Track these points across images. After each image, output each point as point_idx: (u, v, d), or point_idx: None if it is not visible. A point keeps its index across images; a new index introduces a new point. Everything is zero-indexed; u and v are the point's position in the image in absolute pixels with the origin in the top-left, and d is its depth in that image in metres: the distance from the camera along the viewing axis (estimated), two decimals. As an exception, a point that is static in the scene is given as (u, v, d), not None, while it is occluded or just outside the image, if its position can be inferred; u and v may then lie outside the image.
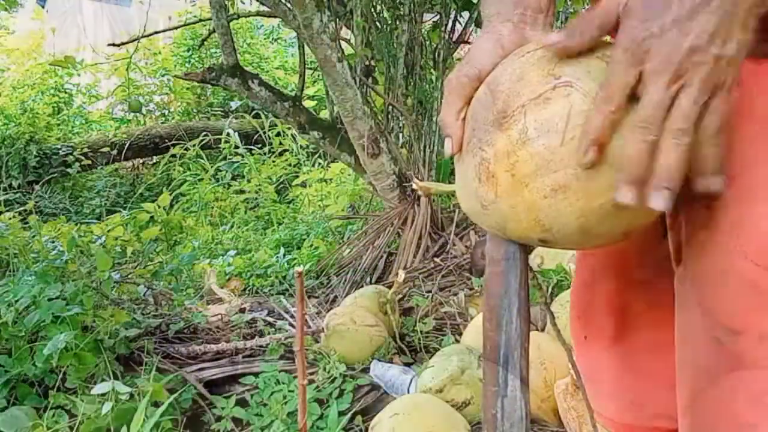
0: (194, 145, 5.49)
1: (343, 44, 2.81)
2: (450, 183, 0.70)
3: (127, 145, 5.74)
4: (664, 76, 0.46)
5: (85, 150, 5.64)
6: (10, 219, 3.19)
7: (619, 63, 0.48)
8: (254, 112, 6.03)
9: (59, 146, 5.66)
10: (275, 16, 3.00)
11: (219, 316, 2.32)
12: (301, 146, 5.46)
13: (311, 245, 3.50)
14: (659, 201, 0.47)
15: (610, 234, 0.54)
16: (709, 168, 0.48)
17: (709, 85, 0.47)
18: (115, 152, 5.70)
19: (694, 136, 0.47)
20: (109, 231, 3.59)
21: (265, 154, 5.48)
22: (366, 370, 1.87)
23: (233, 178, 5.33)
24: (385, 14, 3.18)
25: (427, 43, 3.19)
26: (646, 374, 0.79)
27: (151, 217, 3.94)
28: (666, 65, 0.46)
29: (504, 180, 0.53)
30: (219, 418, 1.65)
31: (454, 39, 3.21)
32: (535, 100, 0.52)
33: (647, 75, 0.47)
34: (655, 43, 0.47)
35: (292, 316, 2.29)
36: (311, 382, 1.76)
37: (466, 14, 3.23)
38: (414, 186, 0.72)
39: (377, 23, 3.14)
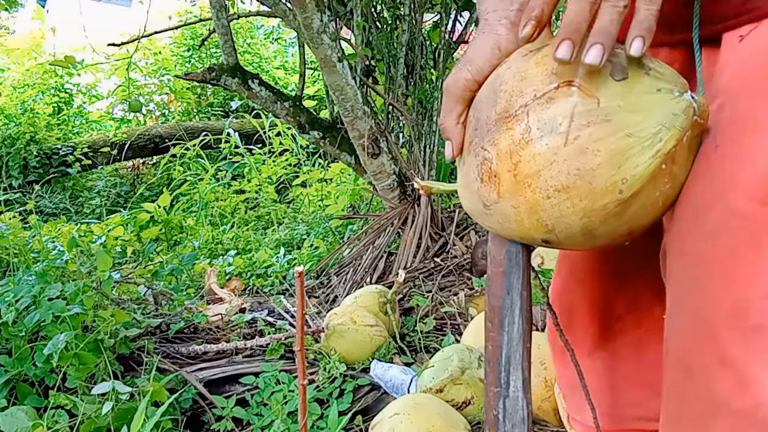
0: (194, 145, 5.49)
1: (343, 44, 2.81)
2: (451, 182, 0.69)
3: (127, 145, 5.74)
4: None
5: (86, 150, 5.64)
6: (10, 219, 3.19)
7: None
8: (254, 112, 6.03)
9: (59, 146, 5.66)
10: (275, 16, 3.00)
11: (219, 316, 2.32)
12: (301, 146, 5.46)
13: (311, 245, 3.50)
14: (592, 54, 0.49)
15: (614, 234, 0.54)
16: (636, 29, 0.49)
17: None
18: (115, 152, 5.70)
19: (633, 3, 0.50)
20: (109, 231, 3.59)
21: (265, 154, 5.48)
22: (366, 370, 1.87)
23: (233, 178, 5.33)
24: (385, 14, 3.18)
25: (428, 43, 3.19)
26: (629, 376, 0.77)
27: (152, 217, 3.94)
28: None
29: (506, 180, 0.53)
30: (219, 418, 1.65)
31: (454, 39, 3.21)
32: (538, 100, 0.52)
33: None
34: None
35: (292, 316, 2.29)
36: (311, 382, 1.76)
37: (466, 14, 3.23)
38: (415, 185, 0.71)
39: (377, 23, 3.14)
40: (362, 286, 2.49)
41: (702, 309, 0.52)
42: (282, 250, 3.41)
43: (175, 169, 5.46)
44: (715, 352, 0.51)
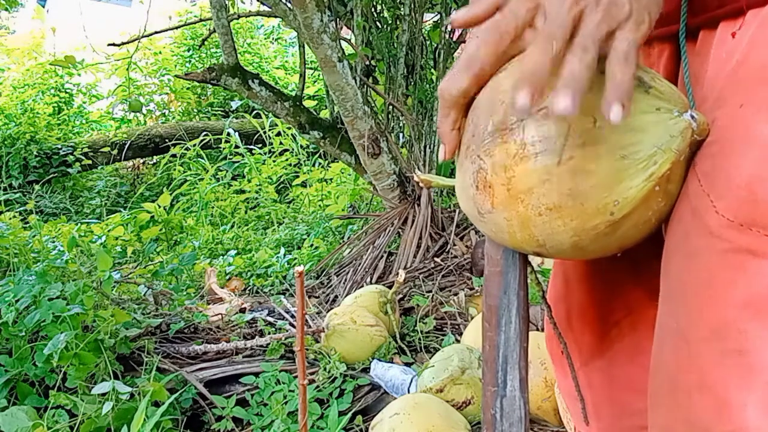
0: (194, 145, 5.50)
1: (343, 44, 2.81)
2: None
3: (127, 145, 5.75)
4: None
5: (86, 150, 5.65)
6: (10, 219, 3.19)
7: None
8: (254, 112, 6.03)
9: (60, 146, 5.67)
10: (275, 16, 3.00)
11: (219, 316, 2.32)
12: (301, 146, 5.47)
13: (311, 245, 3.50)
14: (561, 102, 0.46)
15: (605, 250, 0.54)
16: (613, 94, 0.47)
17: (611, 13, 0.48)
18: (115, 152, 5.71)
19: (606, 62, 0.48)
20: (109, 231, 3.59)
21: (265, 154, 5.48)
22: (366, 370, 1.87)
23: (233, 178, 5.34)
24: (386, 14, 3.18)
25: (428, 43, 3.19)
26: (628, 384, 0.75)
27: (152, 216, 3.94)
28: None
29: (500, 192, 0.53)
30: (219, 418, 1.65)
31: (454, 39, 3.21)
32: (535, 115, 0.51)
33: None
34: None
35: (292, 316, 2.29)
36: (311, 382, 1.76)
37: (466, 14, 3.23)
38: (415, 178, 0.71)
39: (377, 23, 3.14)
40: (362, 286, 2.49)
41: (683, 331, 0.52)
42: (282, 250, 3.41)
43: (175, 169, 5.46)
44: (696, 375, 0.51)
